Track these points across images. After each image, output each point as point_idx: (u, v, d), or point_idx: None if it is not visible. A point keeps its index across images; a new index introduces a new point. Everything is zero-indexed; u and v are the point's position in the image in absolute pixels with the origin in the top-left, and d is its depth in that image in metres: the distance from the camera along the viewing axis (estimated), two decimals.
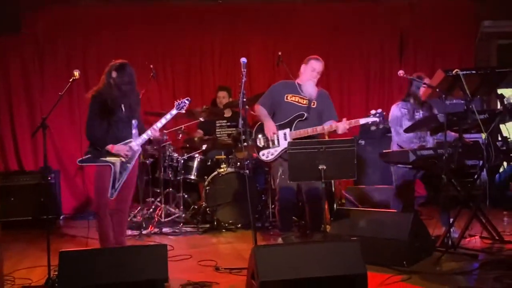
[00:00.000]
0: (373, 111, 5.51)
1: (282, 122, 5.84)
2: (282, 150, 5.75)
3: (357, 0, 9.10)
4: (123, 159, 5.16)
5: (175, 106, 5.47)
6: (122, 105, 5.13)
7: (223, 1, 8.93)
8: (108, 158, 5.14)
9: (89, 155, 5.14)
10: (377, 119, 5.48)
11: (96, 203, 5.23)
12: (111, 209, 5.22)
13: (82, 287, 3.95)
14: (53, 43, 8.55)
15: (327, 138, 5.97)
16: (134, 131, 5.27)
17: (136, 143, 5.25)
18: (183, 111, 5.55)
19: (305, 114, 5.80)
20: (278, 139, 5.82)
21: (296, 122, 5.79)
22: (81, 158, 5.20)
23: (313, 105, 5.89)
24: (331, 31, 9.21)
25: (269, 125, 5.83)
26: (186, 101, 5.48)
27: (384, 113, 5.50)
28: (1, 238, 4.92)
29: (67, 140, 8.48)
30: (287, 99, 5.92)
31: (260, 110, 5.99)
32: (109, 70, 5.14)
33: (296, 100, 5.91)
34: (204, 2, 8.92)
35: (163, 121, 5.37)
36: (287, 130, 5.80)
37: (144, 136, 5.30)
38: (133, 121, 5.26)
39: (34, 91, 8.50)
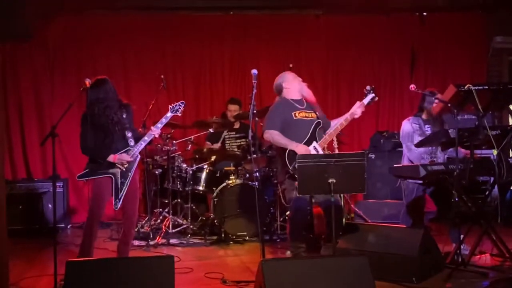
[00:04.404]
0: (365, 90, 5.76)
1: (305, 140, 5.61)
2: None
3: (367, 13, 9.06)
4: (123, 168, 5.17)
5: (169, 109, 5.50)
6: (109, 120, 5.17)
7: (233, 13, 8.94)
8: (107, 170, 5.16)
9: (87, 170, 5.18)
10: (373, 94, 5.71)
11: (91, 213, 5.26)
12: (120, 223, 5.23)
13: None
14: (63, 51, 8.59)
15: (337, 151, 5.92)
16: (131, 142, 5.28)
17: (134, 150, 5.26)
18: (179, 114, 5.56)
19: (321, 122, 5.73)
20: None
21: (317, 132, 5.70)
22: (79, 174, 5.22)
23: (316, 116, 5.83)
24: (342, 44, 9.19)
25: (300, 147, 5.50)
26: (181, 104, 5.51)
27: (374, 87, 5.79)
28: (9, 246, 4.91)
29: (77, 148, 8.39)
30: (296, 116, 5.72)
31: (276, 136, 5.63)
32: (87, 89, 5.17)
33: (304, 115, 5.76)
34: (214, 13, 8.92)
35: (159, 125, 5.40)
36: (314, 143, 5.65)
37: (141, 143, 5.30)
38: (128, 133, 5.27)
39: (44, 99, 8.53)
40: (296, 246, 5.77)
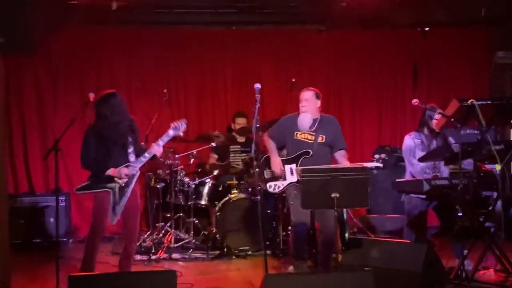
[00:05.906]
0: (376, 156, 5.75)
1: (289, 157, 5.81)
2: (288, 184, 5.73)
3: (370, 28, 9.07)
4: (121, 183, 5.16)
5: (171, 127, 5.38)
6: (114, 135, 5.16)
7: (236, 28, 8.96)
8: (106, 184, 5.15)
9: (87, 183, 5.20)
10: (380, 165, 5.68)
11: (92, 227, 5.26)
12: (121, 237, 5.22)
13: None
14: (67, 65, 8.58)
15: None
16: (132, 158, 5.27)
17: (134, 166, 5.24)
18: (181, 134, 5.49)
19: (311, 152, 5.75)
20: (284, 174, 5.78)
21: (301, 158, 5.74)
22: (77, 187, 5.22)
23: (322, 140, 5.82)
24: (344, 58, 9.19)
25: (276, 161, 5.80)
26: (184, 123, 5.41)
27: (387, 158, 5.85)
28: (11, 260, 4.90)
29: (79, 162, 8.46)
30: (296, 136, 5.86)
31: (268, 143, 5.99)
32: (95, 103, 5.17)
33: (305, 137, 5.84)
34: (217, 27, 8.95)
35: (160, 143, 5.33)
36: (293, 166, 5.75)
37: (142, 159, 5.29)
38: (130, 149, 5.26)
39: (47, 112, 8.52)
40: (299, 261, 5.76)
